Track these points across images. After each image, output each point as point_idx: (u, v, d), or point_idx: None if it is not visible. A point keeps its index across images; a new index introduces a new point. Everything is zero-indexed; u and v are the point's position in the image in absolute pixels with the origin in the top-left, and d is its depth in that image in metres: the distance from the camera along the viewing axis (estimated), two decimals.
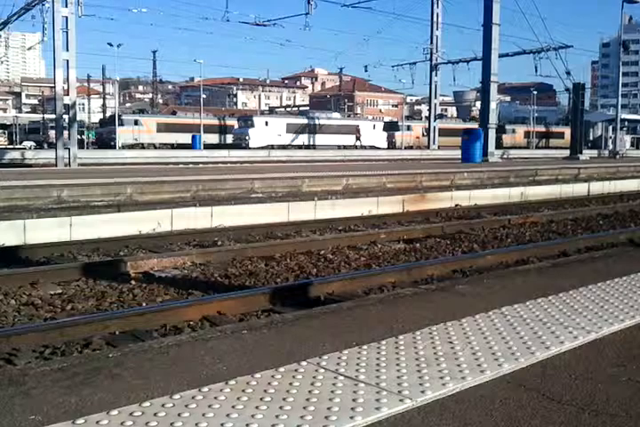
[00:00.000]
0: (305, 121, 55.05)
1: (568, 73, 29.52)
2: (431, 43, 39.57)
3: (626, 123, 51.85)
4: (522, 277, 4.64)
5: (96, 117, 73.96)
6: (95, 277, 6.74)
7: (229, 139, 54.43)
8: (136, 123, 54.38)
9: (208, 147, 47.02)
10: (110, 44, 61.99)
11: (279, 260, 7.84)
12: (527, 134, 66.87)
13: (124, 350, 2.81)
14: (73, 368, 2.52)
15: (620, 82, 33.35)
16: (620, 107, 35.21)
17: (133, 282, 6.63)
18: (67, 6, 26.81)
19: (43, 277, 6.61)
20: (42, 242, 8.54)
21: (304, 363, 2.56)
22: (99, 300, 5.94)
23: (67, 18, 26.76)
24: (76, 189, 9.63)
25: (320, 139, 53.54)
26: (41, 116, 68.59)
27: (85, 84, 74.78)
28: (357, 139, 54.39)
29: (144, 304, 5.75)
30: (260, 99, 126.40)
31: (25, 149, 46.16)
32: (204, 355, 2.70)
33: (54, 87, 25.91)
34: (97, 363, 2.60)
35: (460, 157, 22.65)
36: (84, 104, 71.68)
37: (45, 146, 50.71)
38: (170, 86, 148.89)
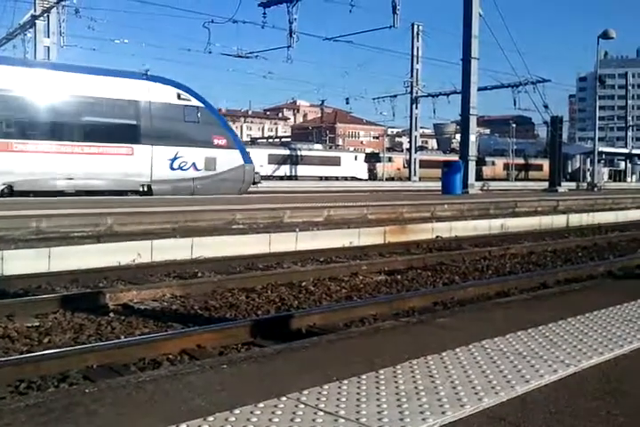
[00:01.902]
0: (287, 152, 55.30)
1: (546, 106, 30.02)
2: (412, 76, 40.23)
3: (603, 155, 52.70)
4: (502, 309, 4.65)
5: None
6: (73, 309, 6.65)
7: None
8: None
9: None
10: None
11: (260, 291, 7.80)
12: (506, 166, 67.65)
13: (101, 386, 2.77)
14: (49, 404, 2.48)
15: (597, 115, 33.98)
16: (597, 140, 35.80)
17: (112, 314, 6.55)
18: (49, 37, 27.00)
19: (19, 309, 6.52)
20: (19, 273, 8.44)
21: (284, 398, 2.54)
22: (76, 333, 5.85)
23: (48, 48, 26.92)
24: (54, 220, 9.55)
25: (302, 170, 53.77)
26: None
27: None
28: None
29: (122, 337, 5.68)
30: (241, 130, 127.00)
31: None
32: (182, 390, 2.66)
33: None
34: (73, 398, 2.55)
35: (440, 188, 22.81)
36: None
37: None
38: None
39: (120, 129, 17.32)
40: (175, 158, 18.22)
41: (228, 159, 19.29)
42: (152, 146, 17.68)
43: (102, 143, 16.85)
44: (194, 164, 18.54)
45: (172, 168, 18.23)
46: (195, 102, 18.97)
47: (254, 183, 20.57)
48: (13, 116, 15.77)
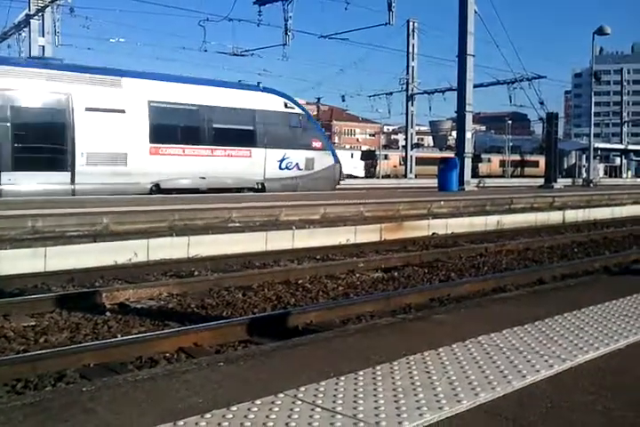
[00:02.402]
0: None
1: (542, 103, 30.05)
2: (407, 73, 40.22)
3: (599, 151, 52.75)
4: (499, 305, 4.67)
5: None
6: (70, 308, 6.65)
7: None
8: None
9: None
10: None
11: (257, 289, 7.80)
12: (502, 163, 67.69)
13: (97, 384, 2.77)
14: (46, 403, 2.48)
15: (593, 111, 33.99)
16: (592, 136, 35.83)
17: (109, 313, 6.55)
18: (44, 36, 26.90)
19: (16, 308, 6.51)
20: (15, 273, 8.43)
21: (281, 395, 2.54)
22: (73, 332, 5.85)
23: (43, 47, 26.83)
24: (50, 219, 9.54)
25: None
26: None
27: None
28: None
29: (119, 336, 5.68)
30: None
31: None
32: (179, 388, 2.66)
33: None
34: (70, 397, 2.55)
35: (436, 185, 22.82)
36: None
37: None
38: None
39: (241, 134, 19.92)
40: (283, 159, 20.79)
41: (323, 160, 22.00)
42: (265, 149, 20.27)
43: (228, 147, 19.45)
44: (297, 164, 21.15)
45: (281, 168, 20.82)
46: (297, 110, 21.72)
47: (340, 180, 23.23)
48: (161, 124, 18.16)
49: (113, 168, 16.95)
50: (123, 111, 17.38)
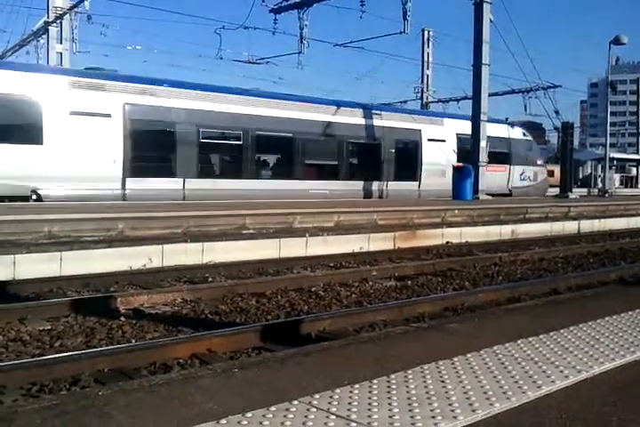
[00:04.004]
0: None
1: (557, 112, 29.91)
2: (422, 82, 40.20)
3: (615, 161, 52.34)
4: (513, 315, 4.65)
5: None
6: (85, 313, 6.70)
7: None
8: None
9: None
10: None
11: (270, 296, 7.81)
12: None
13: (113, 389, 2.79)
14: (62, 406, 2.50)
15: (609, 121, 33.85)
16: (608, 146, 35.66)
17: (123, 318, 6.59)
18: (61, 43, 27.16)
19: (31, 312, 6.56)
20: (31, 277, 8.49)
21: (295, 402, 2.55)
22: (88, 336, 5.89)
23: (61, 54, 27.08)
24: (66, 224, 9.60)
25: None
26: None
27: None
28: None
29: (133, 341, 5.70)
30: None
31: None
32: (194, 393, 2.68)
33: None
34: (86, 401, 2.57)
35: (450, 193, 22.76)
36: None
37: None
38: None
39: (502, 155, 27.06)
40: (522, 173, 28.63)
41: (542, 173, 30.20)
42: (513, 166, 27.90)
43: (497, 164, 26.20)
44: (528, 177, 28.96)
45: (521, 179, 28.60)
46: (529, 137, 29.93)
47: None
48: (463, 148, 24.77)
49: (441, 179, 24.06)
50: (444, 141, 25.16)
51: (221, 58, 28.79)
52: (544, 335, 3.75)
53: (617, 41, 30.84)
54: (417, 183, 24.32)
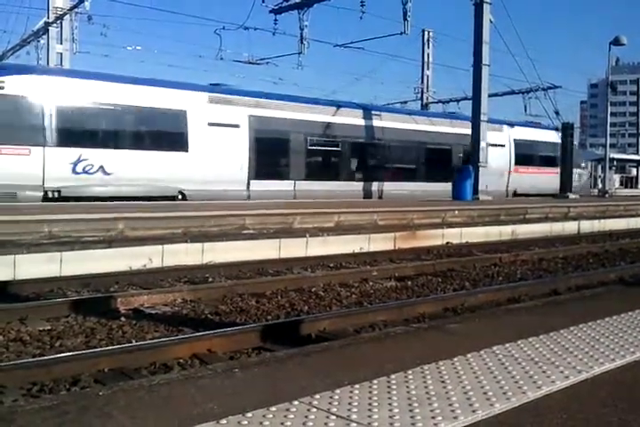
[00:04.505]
0: None
1: (557, 113, 29.91)
2: (422, 82, 40.19)
3: (615, 162, 52.32)
4: (513, 315, 4.65)
5: None
6: (85, 313, 6.70)
7: None
8: None
9: None
10: None
11: (270, 297, 7.81)
12: None
13: (114, 389, 2.79)
14: (63, 406, 2.50)
15: (609, 122, 33.83)
16: (608, 146, 35.62)
17: (123, 318, 6.59)
18: (62, 43, 27.16)
19: (32, 313, 6.57)
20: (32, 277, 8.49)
21: (296, 402, 2.55)
22: (88, 336, 5.89)
23: (61, 54, 27.09)
24: (66, 225, 9.60)
25: None
26: None
27: None
28: None
29: (133, 341, 5.70)
30: None
31: None
32: (194, 393, 2.68)
33: None
34: (87, 401, 2.58)
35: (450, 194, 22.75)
36: None
37: None
38: None
39: (551, 158, 29.68)
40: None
41: (585, 175, 33.73)
42: (558, 168, 29.15)
43: (542, 168, 29.72)
44: (574, 178, 29.89)
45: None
46: (575, 143, 33.13)
47: None
48: (520, 153, 28.67)
49: (500, 180, 27.04)
50: (503, 146, 27.73)
51: (222, 58, 28.76)
52: (544, 336, 3.75)
53: (617, 41, 30.83)
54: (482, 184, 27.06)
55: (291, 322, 6.30)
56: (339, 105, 22.98)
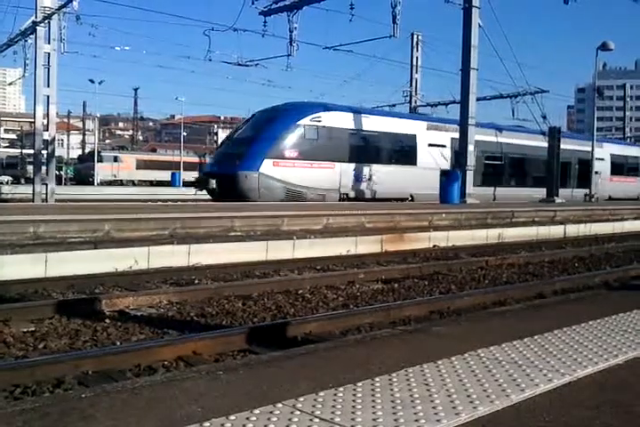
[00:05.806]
0: None
1: (544, 117, 30.15)
2: (411, 85, 40.26)
3: None
4: (499, 318, 4.67)
5: (75, 153, 73.72)
6: (69, 314, 6.65)
7: None
8: (115, 159, 54.74)
9: (187, 184, 47.03)
10: (92, 81, 62.43)
11: (257, 299, 7.80)
12: None
13: (97, 391, 2.77)
14: (45, 408, 2.48)
15: (595, 126, 33.94)
16: (594, 151, 35.80)
17: (108, 320, 6.55)
18: (49, 43, 26.99)
19: (15, 314, 6.51)
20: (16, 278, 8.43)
21: (279, 405, 2.54)
22: (72, 338, 5.85)
23: (49, 54, 26.90)
24: (52, 225, 9.55)
25: None
26: (19, 150, 67.70)
27: (65, 119, 74.83)
28: None
29: (118, 343, 5.68)
30: None
31: (1, 183, 45.91)
32: (178, 396, 2.67)
33: (34, 122, 25.99)
34: (70, 403, 2.56)
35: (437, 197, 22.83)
36: (62, 140, 71.62)
37: (23, 181, 50.29)
38: (150, 123, 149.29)
39: (634, 169, 38.03)
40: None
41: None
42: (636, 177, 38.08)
43: (628, 177, 37.93)
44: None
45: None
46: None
47: None
48: (614, 163, 36.95)
49: (600, 186, 33.39)
50: (603, 159, 34.83)
51: (210, 59, 28.69)
52: (528, 339, 3.77)
53: (604, 47, 31.03)
54: (588, 190, 32.34)
55: (277, 324, 6.28)
56: (499, 128, 30.23)
